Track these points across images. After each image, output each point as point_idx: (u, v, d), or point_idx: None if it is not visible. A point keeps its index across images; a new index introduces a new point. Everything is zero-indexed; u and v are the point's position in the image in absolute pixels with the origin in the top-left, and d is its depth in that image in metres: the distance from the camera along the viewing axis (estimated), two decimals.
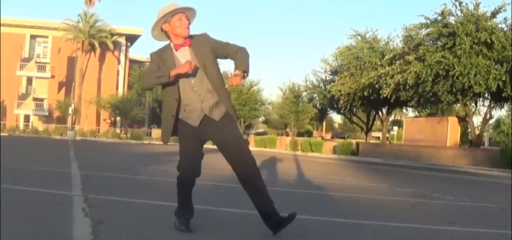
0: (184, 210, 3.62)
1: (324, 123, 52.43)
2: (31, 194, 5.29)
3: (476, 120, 32.49)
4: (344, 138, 45.75)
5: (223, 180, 7.65)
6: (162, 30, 3.57)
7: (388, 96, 23.03)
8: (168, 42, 3.62)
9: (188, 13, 3.57)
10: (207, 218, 4.41)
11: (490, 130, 47.66)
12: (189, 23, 3.54)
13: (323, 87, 33.56)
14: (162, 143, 3.74)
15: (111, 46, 52.67)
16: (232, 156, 3.53)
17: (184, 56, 3.53)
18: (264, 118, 54.96)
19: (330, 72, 33.24)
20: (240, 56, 3.56)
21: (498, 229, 4.75)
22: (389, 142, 38.29)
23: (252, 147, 37.56)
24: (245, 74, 3.47)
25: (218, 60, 3.67)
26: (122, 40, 55.54)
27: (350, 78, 27.38)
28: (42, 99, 52.97)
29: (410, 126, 29.28)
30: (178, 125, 3.60)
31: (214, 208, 4.92)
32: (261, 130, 60.05)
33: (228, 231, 3.51)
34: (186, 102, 3.54)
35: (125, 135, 45.74)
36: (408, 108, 31.93)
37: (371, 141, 35.74)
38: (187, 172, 3.55)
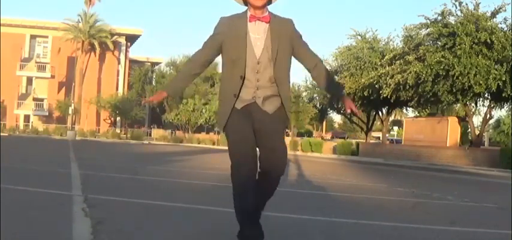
0: (252, 227, 3.03)
1: (324, 123, 52.39)
2: (31, 194, 5.29)
3: (476, 120, 32.51)
4: (344, 138, 45.76)
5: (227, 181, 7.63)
6: None
7: (388, 96, 23.01)
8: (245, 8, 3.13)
9: None
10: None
11: (490, 130, 47.64)
12: None
13: None
14: (218, 128, 3.24)
15: (111, 46, 52.69)
16: (266, 152, 3.05)
17: (257, 31, 3.05)
18: None
19: None
20: (331, 77, 3.43)
21: (498, 229, 4.75)
22: (389, 142, 38.26)
23: None
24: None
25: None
26: (122, 40, 55.58)
27: (350, 78, 27.36)
28: (42, 99, 53.00)
29: (410, 126, 29.24)
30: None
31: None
32: None
33: (231, 232, 3.50)
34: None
35: (124, 135, 45.74)
36: (408, 108, 31.90)
37: (371, 141, 35.71)
38: (247, 163, 2.99)
